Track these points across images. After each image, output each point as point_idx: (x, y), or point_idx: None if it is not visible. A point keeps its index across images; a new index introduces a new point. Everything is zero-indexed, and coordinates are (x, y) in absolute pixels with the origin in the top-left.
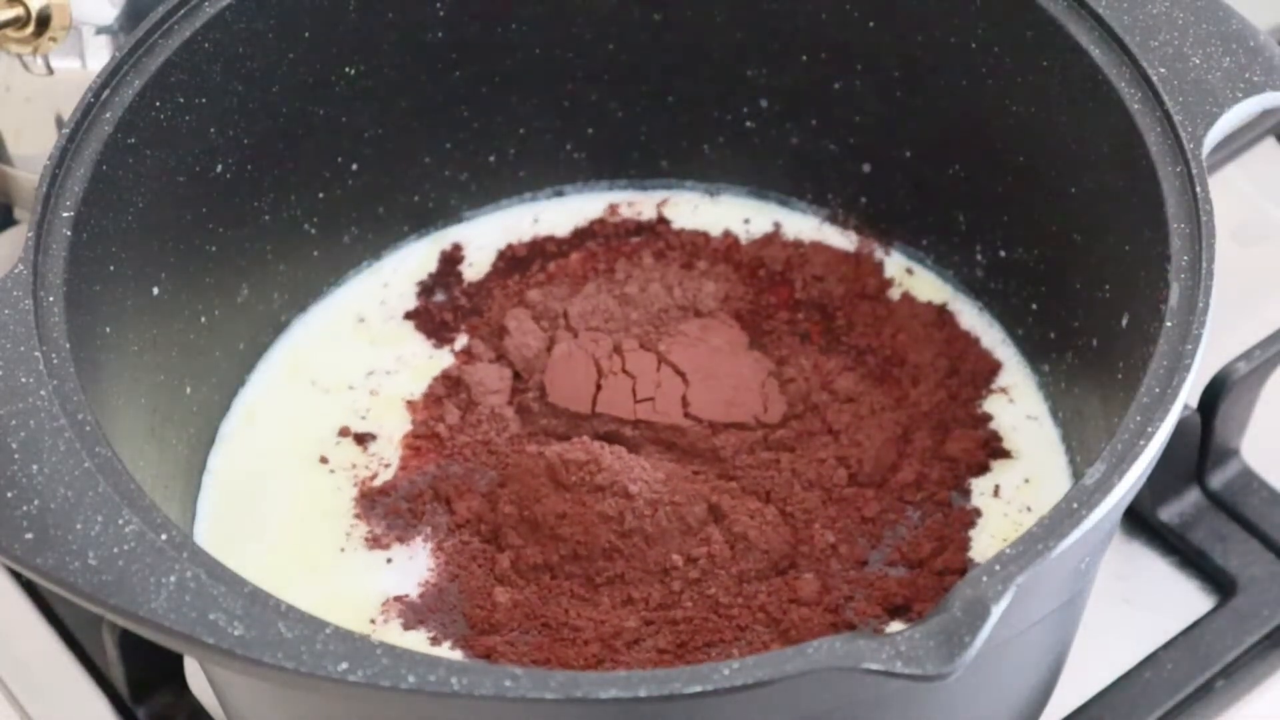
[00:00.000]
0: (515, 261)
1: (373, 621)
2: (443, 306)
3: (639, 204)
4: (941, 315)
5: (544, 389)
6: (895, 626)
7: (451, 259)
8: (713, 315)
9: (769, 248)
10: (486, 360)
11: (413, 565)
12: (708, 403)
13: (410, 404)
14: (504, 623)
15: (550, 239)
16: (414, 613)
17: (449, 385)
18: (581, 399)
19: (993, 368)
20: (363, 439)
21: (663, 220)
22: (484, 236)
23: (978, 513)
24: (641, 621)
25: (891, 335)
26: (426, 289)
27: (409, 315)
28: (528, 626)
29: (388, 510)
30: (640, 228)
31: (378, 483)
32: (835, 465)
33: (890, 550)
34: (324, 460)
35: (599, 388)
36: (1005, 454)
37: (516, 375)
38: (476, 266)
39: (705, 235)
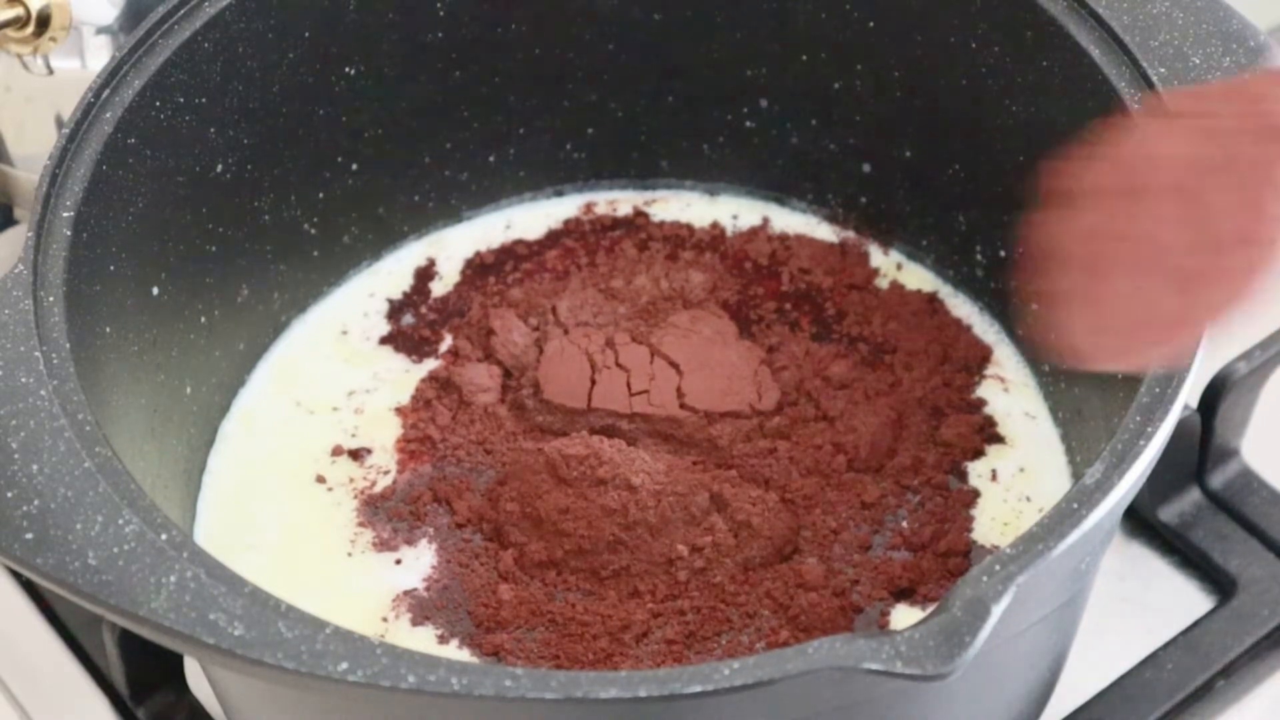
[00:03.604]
0: (483, 269)
1: (385, 619)
2: (416, 326)
3: (617, 201)
4: (932, 303)
5: (539, 386)
6: (901, 609)
7: (425, 274)
8: (701, 306)
9: (754, 241)
10: (475, 360)
11: (419, 564)
12: (702, 392)
13: (399, 410)
14: (510, 620)
15: (520, 242)
16: (422, 609)
17: (438, 387)
18: (577, 395)
19: (984, 354)
20: (357, 454)
21: (641, 214)
22: (453, 246)
23: (976, 493)
24: (649, 614)
25: (882, 323)
26: (395, 310)
27: (384, 340)
28: (534, 623)
29: (390, 514)
30: (617, 223)
31: (378, 489)
32: (832, 451)
33: (892, 534)
34: (321, 480)
35: (594, 383)
36: (999, 439)
37: (507, 373)
38: (445, 280)
39: (689, 227)
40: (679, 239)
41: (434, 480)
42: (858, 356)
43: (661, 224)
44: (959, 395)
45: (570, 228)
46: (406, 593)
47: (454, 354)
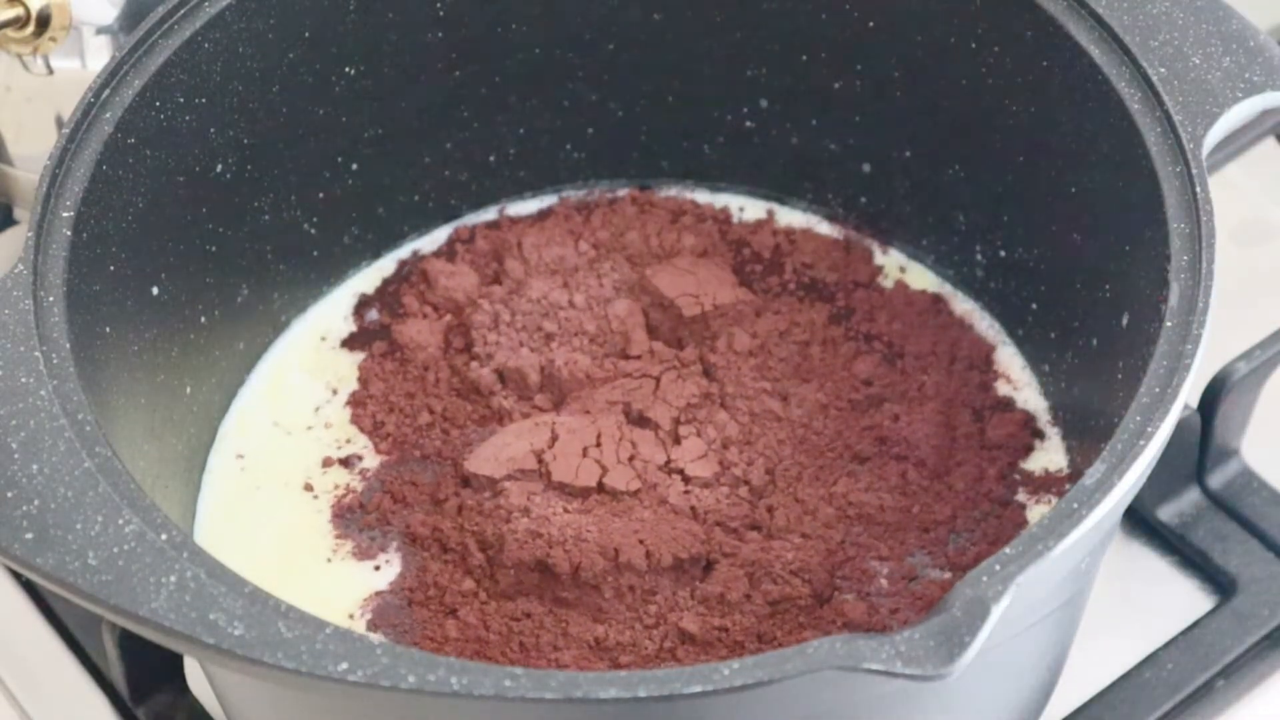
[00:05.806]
0: (461, 243)
1: (351, 616)
2: (377, 320)
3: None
4: (936, 303)
5: (550, 472)
6: None
7: (402, 266)
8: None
9: (758, 233)
10: (418, 316)
11: (393, 569)
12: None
13: (349, 400)
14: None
15: (505, 218)
16: (379, 616)
17: (380, 355)
18: (588, 476)
19: (987, 351)
20: (347, 461)
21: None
22: (437, 239)
23: (1025, 508)
24: (610, 664)
25: (887, 323)
26: (360, 306)
27: (344, 343)
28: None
29: (362, 525)
30: (615, 200)
31: (348, 499)
32: (889, 461)
33: (939, 554)
34: (308, 488)
35: (604, 469)
36: (1041, 434)
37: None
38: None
39: (693, 201)
40: (681, 210)
41: (386, 482)
42: (878, 356)
43: (666, 199)
44: (988, 394)
45: (566, 198)
46: (378, 593)
47: (400, 313)
